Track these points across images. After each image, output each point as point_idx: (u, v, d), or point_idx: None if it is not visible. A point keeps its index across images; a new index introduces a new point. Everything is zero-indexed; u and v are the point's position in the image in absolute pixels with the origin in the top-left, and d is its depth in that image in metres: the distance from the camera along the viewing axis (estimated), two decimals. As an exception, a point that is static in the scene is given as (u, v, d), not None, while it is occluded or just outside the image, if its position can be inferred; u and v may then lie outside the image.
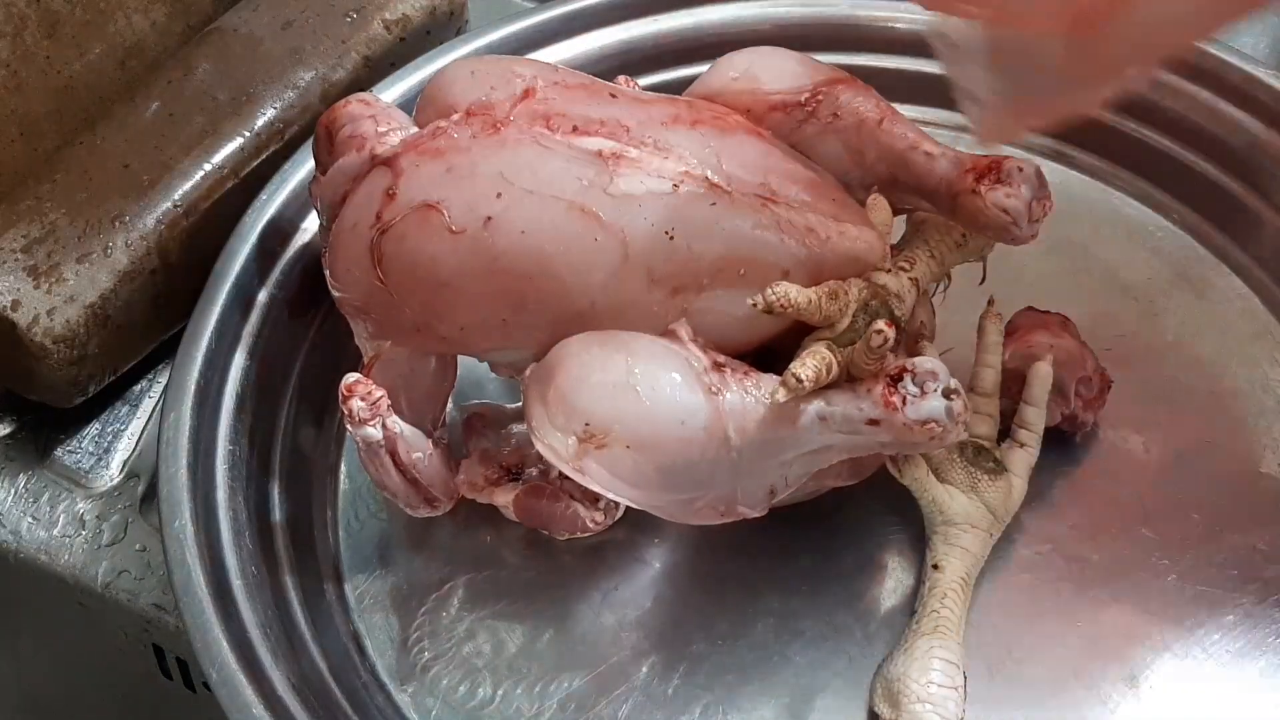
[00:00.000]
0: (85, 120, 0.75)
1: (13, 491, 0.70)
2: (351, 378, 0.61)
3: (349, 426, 0.61)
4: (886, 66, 0.83)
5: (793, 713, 0.61)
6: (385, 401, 0.61)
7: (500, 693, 0.62)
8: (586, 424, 0.57)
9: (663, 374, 0.58)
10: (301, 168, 0.72)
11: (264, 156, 0.74)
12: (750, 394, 0.58)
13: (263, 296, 0.70)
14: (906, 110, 0.83)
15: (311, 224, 0.72)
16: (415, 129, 0.64)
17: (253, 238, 0.70)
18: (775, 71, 0.67)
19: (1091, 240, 0.77)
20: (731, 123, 0.65)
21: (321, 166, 0.67)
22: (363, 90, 0.76)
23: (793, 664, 0.63)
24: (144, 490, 0.70)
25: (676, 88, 0.83)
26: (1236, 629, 0.64)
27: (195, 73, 0.76)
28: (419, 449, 0.62)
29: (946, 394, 0.57)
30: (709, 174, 0.61)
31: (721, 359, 0.59)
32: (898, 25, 0.83)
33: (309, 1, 0.79)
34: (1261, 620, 0.64)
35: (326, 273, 0.64)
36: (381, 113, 0.66)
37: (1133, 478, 0.68)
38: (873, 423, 0.57)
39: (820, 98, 0.66)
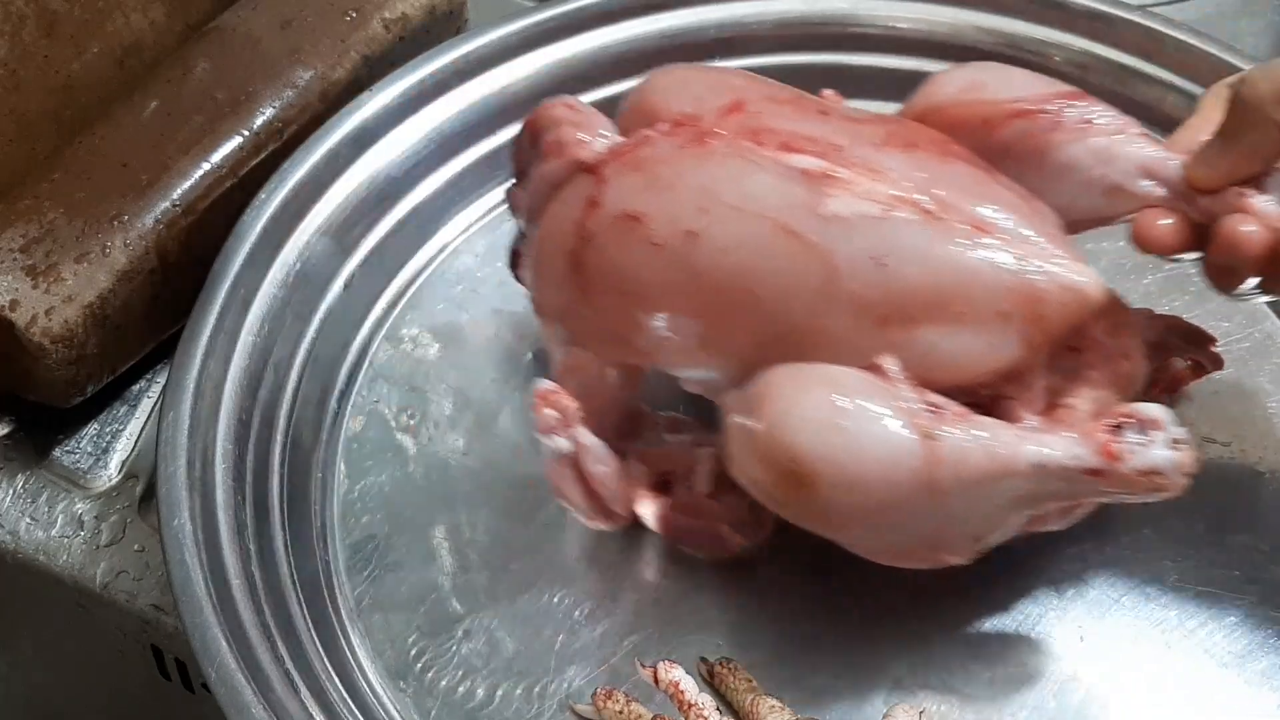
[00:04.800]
0: (83, 119, 0.75)
1: (11, 492, 0.70)
2: (544, 385, 0.60)
3: (539, 434, 0.60)
4: (886, 66, 0.83)
5: (791, 711, 0.61)
6: (577, 412, 0.60)
7: (499, 693, 0.62)
8: (792, 460, 0.56)
9: (873, 413, 0.56)
10: (301, 167, 0.72)
11: (263, 156, 0.74)
12: (970, 438, 0.56)
13: (262, 296, 0.69)
14: (907, 110, 0.83)
15: (310, 223, 0.72)
16: (619, 137, 0.63)
17: (252, 237, 0.70)
18: (1004, 82, 0.66)
19: (1089, 239, 0.77)
20: (951, 150, 0.62)
21: (519, 170, 0.66)
22: (362, 90, 0.76)
23: (793, 665, 0.63)
24: (142, 490, 0.70)
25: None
26: (1239, 630, 0.63)
27: (194, 72, 0.76)
28: (603, 461, 0.61)
29: (1172, 444, 0.55)
30: (922, 199, 0.59)
31: (936, 399, 0.57)
32: (898, 25, 0.83)
33: (308, 0, 0.79)
34: (1264, 621, 0.64)
35: (525, 276, 0.64)
36: (586, 119, 0.64)
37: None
38: (1093, 473, 0.56)
39: (1068, 106, 0.64)
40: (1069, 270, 0.59)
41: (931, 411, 0.56)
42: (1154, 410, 0.56)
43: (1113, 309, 0.62)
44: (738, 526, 0.61)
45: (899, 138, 0.62)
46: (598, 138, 0.63)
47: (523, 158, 0.66)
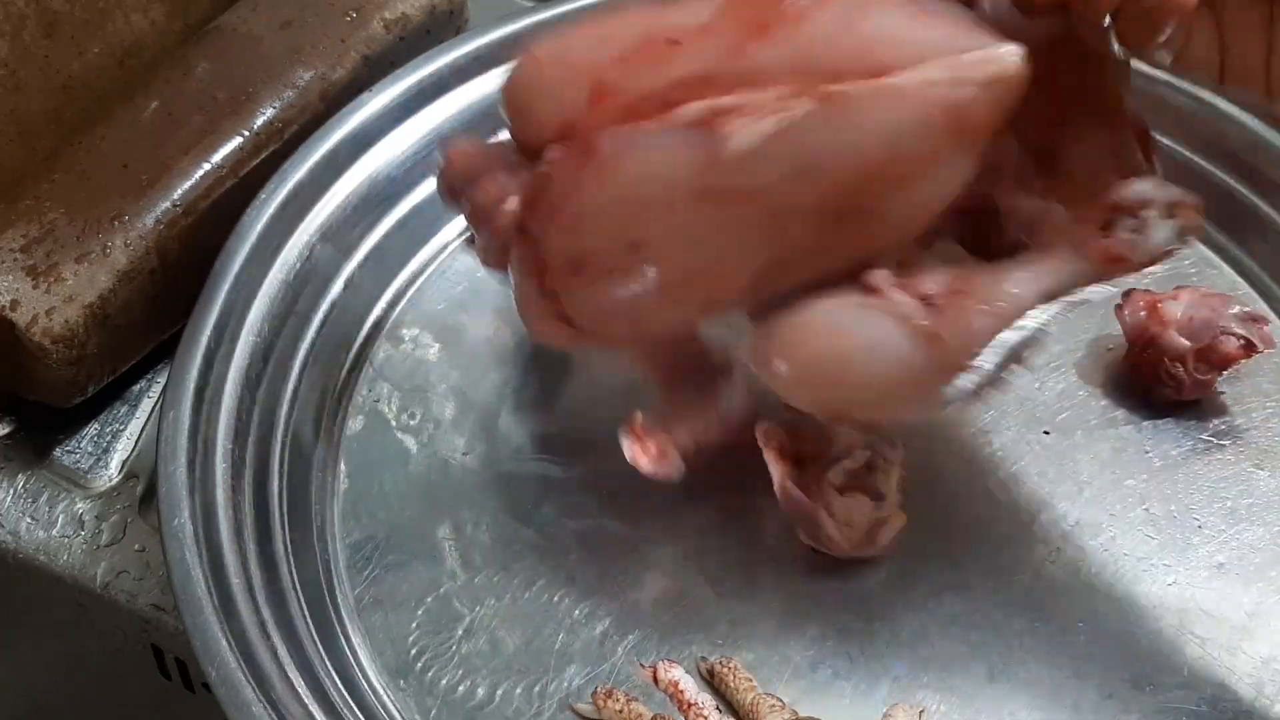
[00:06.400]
0: (84, 120, 0.75)
1: (11, 492, 0.70)
2: (636, 417, 0.63)
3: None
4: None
5: (791, 710, 0.61)
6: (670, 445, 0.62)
7: (500, 692, 0.62)
8: (826, 394, 0.59)
9: (878, 338, 0.56)
10: (301, 167, 0.72)
11: (263, 156, 0.74)
12: (971, 316, 0.55)
13: (262, 296, 0.69)
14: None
15: (310, 223, 0.72)
16: (523, 178, 0.61)
17: (252, 237, 0.70)
18: None
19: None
20: (796, 5, 0.57)
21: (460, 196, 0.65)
22: (362, 90, 0.76)
23: (792, 663, 0.63)
24: (143, 490, 0.70)
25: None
26: (1238, 631, 0.63)
27: (194, 72, 0.76)
28: (694, 427, 0.63)
29: (1169, 212, 0.52)
30: (812, 83, 0.55)
31: (930, 289, 0.56)
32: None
33: (308, 0, 0.79)
34: (1263, 620, 0.64)
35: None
36: (489, 173, 0.62)
37: (1134, 479, 0.68)
38: (1100, 276, 0.55)
39: None
40: (982, 63, 0.54)
41: (931, 307, 0.56)
42: (1138, 188, 0.53)
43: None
44: (841, 525, 0.64)
45: (750, 26, 0.57)
46: (505, 193, 0.61)
47: (460, 211, 0.66)
